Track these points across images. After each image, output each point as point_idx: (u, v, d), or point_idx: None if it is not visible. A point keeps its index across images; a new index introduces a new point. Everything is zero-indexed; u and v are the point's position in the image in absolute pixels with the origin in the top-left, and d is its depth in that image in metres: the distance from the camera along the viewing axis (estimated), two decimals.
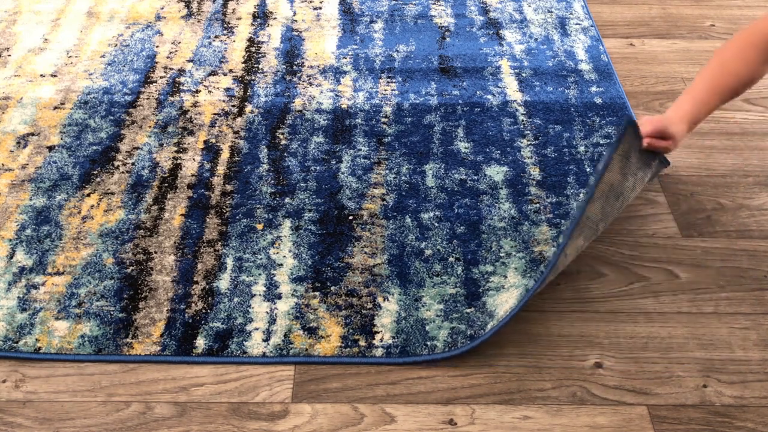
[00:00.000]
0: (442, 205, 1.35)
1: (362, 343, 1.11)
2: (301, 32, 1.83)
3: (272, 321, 1.14)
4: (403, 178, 1.41)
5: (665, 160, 1.30)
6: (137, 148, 1.47)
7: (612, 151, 1.09)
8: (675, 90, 1.66)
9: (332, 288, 1.20)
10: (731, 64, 1.22)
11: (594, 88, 1.64)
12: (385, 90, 1.63)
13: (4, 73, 1.67)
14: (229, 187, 1.38)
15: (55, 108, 1.57)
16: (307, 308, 1.17)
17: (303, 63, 1.72)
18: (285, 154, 1.46)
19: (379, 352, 1.10)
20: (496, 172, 1.42)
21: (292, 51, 1.76)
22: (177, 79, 1.66)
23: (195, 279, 1.21)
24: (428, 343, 1.11)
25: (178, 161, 1.44)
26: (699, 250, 1.28)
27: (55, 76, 1.66)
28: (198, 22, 1.86)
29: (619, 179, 1.17)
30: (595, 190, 1.09)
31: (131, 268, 1.23)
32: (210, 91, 1.62)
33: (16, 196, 1.36)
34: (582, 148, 1.48)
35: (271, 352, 1.10)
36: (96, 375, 1.08)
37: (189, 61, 1.72)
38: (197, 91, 1.62)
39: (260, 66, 1.70)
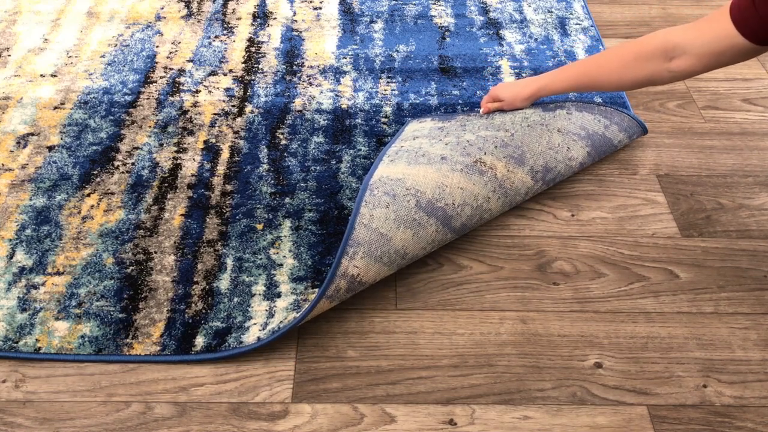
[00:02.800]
0: None
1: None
2: (301, 32, 1.83)
3: (270, 316, 1.14)
4: None
5: (641, 125, 1.42)
6: (137, 148, 1.47)
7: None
8: (675, 90, 1.66)
9: None
10: (604, 69, 1.25)
11: None
12: (385, 90, 1.63)
13: (4, 73, 1.67)
14: (229, 187, 1.38)
15: (55, 108, 1.57)
16: (306, 303, 1.16)
17: (303, 63, 1.72)
18: (285, 154, 1.46)
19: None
20: None
21: (292, 51, 1.76)
22: (177, 79, 1.66)
23: (195, 279, 1.21)
24: None
25: (178, 161, 1.44)
26: (699, 250, 1.28)
27: (55, 76, 1.66)
28: (198, 22, 1.86)
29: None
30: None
31: (131, 268, 1.23)
32: (210, 91, 1.62)
33: (16, 196, 1.36)
34: None
35: (265, 335, 1.10)
36: (96, 375, 1.08)
37: (189, 61, 1.72)
38: (197, 91, 1.62)
39: (260, 66, 1.70)
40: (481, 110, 1.40)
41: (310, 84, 1.65)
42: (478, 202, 1.20)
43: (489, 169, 1.22)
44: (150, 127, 1.52)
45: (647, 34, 1.21)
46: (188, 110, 1.57)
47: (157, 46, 1.76)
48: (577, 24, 1.87)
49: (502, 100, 1.38)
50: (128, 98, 1.60)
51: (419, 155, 1.22)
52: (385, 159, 1.23)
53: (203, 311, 1.16)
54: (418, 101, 1.60)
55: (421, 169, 1.17)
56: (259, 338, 1.10)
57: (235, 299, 1.18)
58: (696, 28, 1.13)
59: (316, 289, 1.19)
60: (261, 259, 1.24)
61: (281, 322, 1.11)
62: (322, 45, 1.78)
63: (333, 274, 1.08)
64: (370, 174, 1.19)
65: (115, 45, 1.77)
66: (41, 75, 1.66)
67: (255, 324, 1.13)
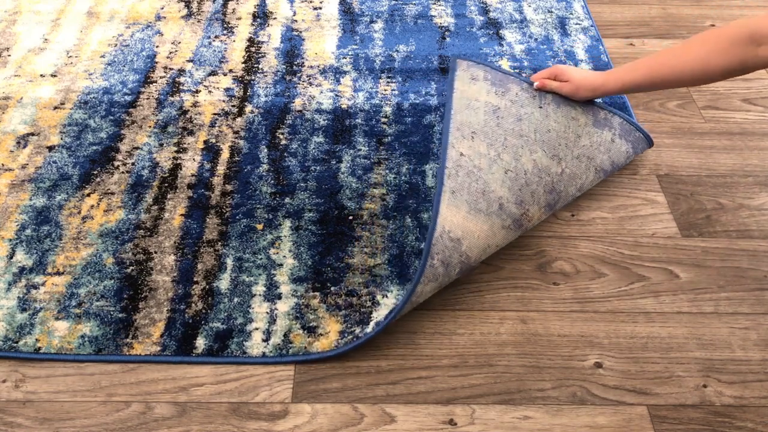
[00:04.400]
0: None
1: (359, 333, 1.11)
2: (301, 32, 1.83)
3: (272, 321, 1.14)
4: (403, 178, 1.40)
5: (647, 138, 1.32)
6: (137, 148, 1.47)
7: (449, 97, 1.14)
8: (675, 90, 1.66)
9: (332, 288, 1.20)
10: (688, 53, 1.17)
11: None
12: (385, 90, 1.63)
13: (4, 73, 1.67)
14: (229, 187, 1.38)
15: (55, 108, 1.57)
16: (307, 308, 1.17)
17: (303, 63, 1.72)
18: (285, 154, 1.46)
19: (371, 328, 1.10)
20: None
21: (292, 51, 1.76)
22: (177, 79, 1.66)
23: (195, 279, 1.21)
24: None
25: (178, 161, 1.44)
26: (699, 250, 1.28)
27: (55, 76, 1.66)
28: (198, 22, 1.86)
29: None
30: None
31: (131, 268, 1.23)
32: (210, 91, 1.62)
33: (16, 196, 1.36)
34: None
35: (271, 352, 1.10)
36: (96, 375, 1.08)
37: (189, 61, 1.72)
38: (197, 91, 1.62)
39: (260, 66, 1.70)
40: (535, 83, 1.33)
41: (310, 84, 1.65)
42: (498, 246, 1.19)
43: (528, 222, 1.20)
44: (150, 127, 1.52)
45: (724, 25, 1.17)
46: (188, 110, 1.57)
47: (157, 46, 1.76)
48: (577, 24, 1.87)
49: (565, 81, 1.31)
50: (128, 98, 1.60)
51: (479, 192, 1.15)
52: (446, 189, 1.15)
53: (203, 311, 1.16)
54: (418, 101, 1.60)
55: (477, 225, 1.13)
56: (263, 354, 1.10)
57: (235, 299, 1.18)
58: None
59: (317, 293, 1.19)
60: (261, 259, 1.24)
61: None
62: (322, 45, 1.78)
63: (397, 313, 1.09)
64: (436, 210, 1.13)
65: (115, 45, 1.77)
66: (41, 75, 1.66)
67: (257, 329, 1.13)
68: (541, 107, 1.29)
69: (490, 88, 1.30)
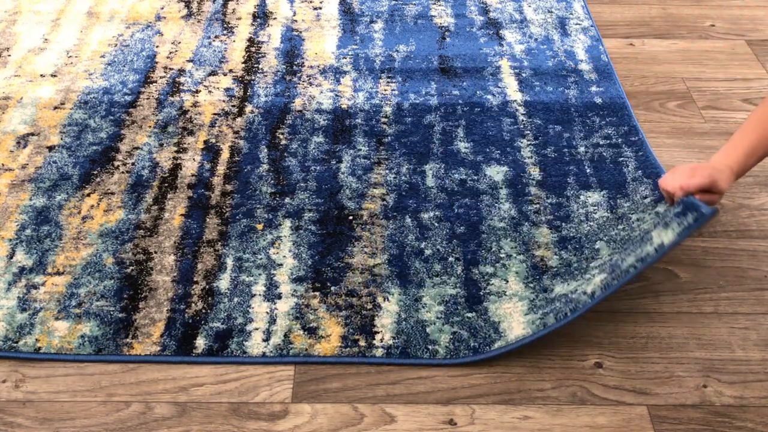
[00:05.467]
0: (442, 205, 1.34)
1: (362, 343, 1.11)
2: (301, 32, 1.83)
3: (272, 321, 1.14)
4: (403, 178, 1.41)
5: (706, 212, 1.09)
6: (137, 148, 1.47)
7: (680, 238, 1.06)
8: (675, 90, 1.66)
9: (332, 288, 1.20)
10: None
11: (594, 88, 1.64)
12: (385, 90, 1.63)
13: (4, 73, 1.67)
14: (229, 187, 1.38)
15: (55, 108, 1.57)
16: (307, 308, 1.17)
17: (303, 63, 1.72)
18: (285, 154, 1.46)
19: (379, 352, 1.10)
20: (496, 172, 1.42)
21: (292, 51, 1.76)
22: (177, 79, 1.66)
23: (195, 279, 1.21)
24: (429, 347, 1.11)
25: (178, 161, 1.44)
26: (699, 250, 1.28)
27: (55, 76, 1.66)
28: (198, 22, 1.86)
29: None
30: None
31: (131, 268, 1.23)
32: (210, 91, 1.62)
33: (16, 196, 1.36)
34: (582, 149, 1.48)
35: (271, 352, 1.10)
36: (96, 375, 1.08)
37: (189, 61, 1.72)
38: (197, 91, 1.62)
39: (260, 66, 1.70)
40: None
41: (310, 84, 1.65)
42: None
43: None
44: (150, 127, 1.52)
45: None
46: (188, 110, 1.57)
47: (157, 46, 1.76)
48: (577, 24, 1.87)
49: (716, 193, 1.14)
50: (128, 98, 1.60)
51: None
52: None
53: (203, 311, 1.16)
54: (418, 101, 1.60)
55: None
56: (263, 354, 1.10)
57: (235, 299, 1.18)
58: None
59: (317, 292, 1.19)
60: (261, 259, 1.24)
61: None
62: (322, 45, 1.78)
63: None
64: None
65: (115, 45, 1.77)
66: (41, 75, 1.67)
67: (257, 329, 1.13)
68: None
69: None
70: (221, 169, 1.42)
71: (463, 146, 1.48)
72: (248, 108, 1.58)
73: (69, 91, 1.62)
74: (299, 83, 1.65)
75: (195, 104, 1.58)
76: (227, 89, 1.63)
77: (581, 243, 1.26)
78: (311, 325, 1.14)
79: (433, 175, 1.41)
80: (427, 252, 1.26)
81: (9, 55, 1.73)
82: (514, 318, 1.13)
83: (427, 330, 1.13)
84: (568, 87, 1.64)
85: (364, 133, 1.51)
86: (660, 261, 1.25)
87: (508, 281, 1.20)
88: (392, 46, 1.78)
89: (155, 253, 1.25)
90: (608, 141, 1.49)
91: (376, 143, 1.49)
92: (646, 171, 1.41)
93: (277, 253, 1.25)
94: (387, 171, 1.42)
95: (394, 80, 1.66)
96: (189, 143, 1.48)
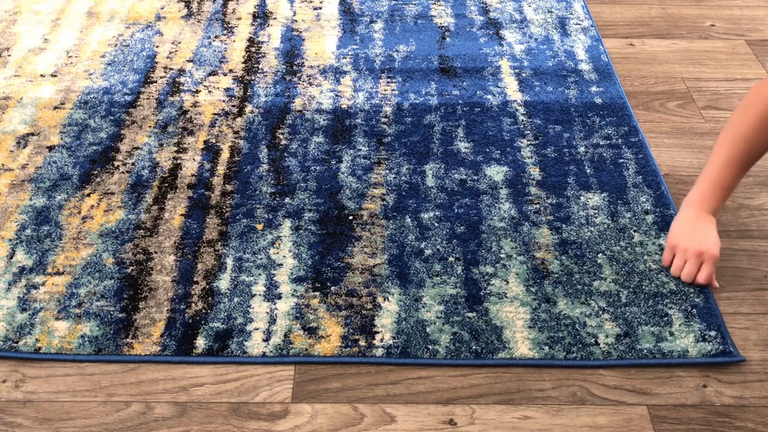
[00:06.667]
0: (442, 205, 1.35)
1: (362, 343, 1.11)
2: (301, 32, 1.83)
3: (272, 321, 1.14)
4: (403, 178, 1.41)
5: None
6: (137, 148, 1.47)
7: None
8: (675, 90, 1.66)
9: (332, 288, 1.20)
10: (756, 142, 1.16)
11: (594, 88, 1.64)
12: (385, 90, 1.63)
13: (4, 73, 1.67)
14: (229, 187, 1.38)
15: (55, 108, 1.57)
16: (307, 308, 1.17)
17: (303, 63, 1.72)
18: (285, 154, 1.46)
19: (379, 352, 1.10)
20: (496, 172, 1.42)
21: (292, 51, 1.76)
22: (177, 79, 1.66)
23: (195, 279, 1.21)
24: (429, 347, 1.11)
25: (178, 161, 1.44)
26: None
27: (55, 76, 1.66)
28: (198, 22, 1.86)
29: None
30: None
31: (131, 268, 1.23)
32: (210, 91, 1.62)
33: (16, 196, 1.36)
34: (582, 149, 1.48)
35: (271, 352, 1.10)
36: (96, 375, 1.08)
37: (189, 61, 1.72)
38: (197, 91, 1.62)
39: (260, 66, 1.70)
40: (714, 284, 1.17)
41: (310, 84, 1.65)
42: None
43: None
44: (150, 127, 1.52)
45: (759, 84, 1.17)
46: (188, 110, 1.57)
47: (157, 46, 1.76)
48: (577, 24, 1.87)
49: (712, 255, 1.17)
50: (128, 98, 1.60)
51: None
52: None
53: (203, 311, 1.16)
54: (418, 101, 1.60)
55: None
56: (263, 354, 1.10)
57: (235, 299, 1.18)
58: None
59: (317, 292, 1.19)
60: (261, 259, 1.24)
61: None
62: (322, 45, 1.78)
63: None
64: None
65: (115, 45, 1.77)
66: (41, 75, 1.67)
67: (257, 329, 1.13)
68: None
69: None
70: (221, 169, 1.42)
71: (463, 146, 1.48)
72: (248, 108, 1.58)
73: (69, 91, 1.62)
74: (299, 83, 1.65)
75: (195, 104, 1.58)
76: (227, 89, 1.63)
77: (582, 250, 1.25)
78: (311, 325, 1.14)
79: (433, 175, 1.41)
80: (427, 252, 1.26)
81: (9, 55, 1.73)
82: (517, 328, 1.13)
83: (427, 330, 1.13)
84: (568, 87, 1.64)
85: (364, 133, 1.51)
86: (659, 261, 1.26)
87: (508, 282, 1.20)
88: (392, 46, 1.78)
89: (155, 253, 1.25)
90: (608, 141, 1.49)
91: (376, 143, 1.49)
92: (645, 174, 1.41)
93: (277, 253, 1.25)
94: (387, 171, 1.42)
95: (394, 80, 1.67)
96: (189, 143, 1.48)
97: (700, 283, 1.18)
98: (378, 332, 1.13)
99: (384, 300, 1.18)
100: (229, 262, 1.24)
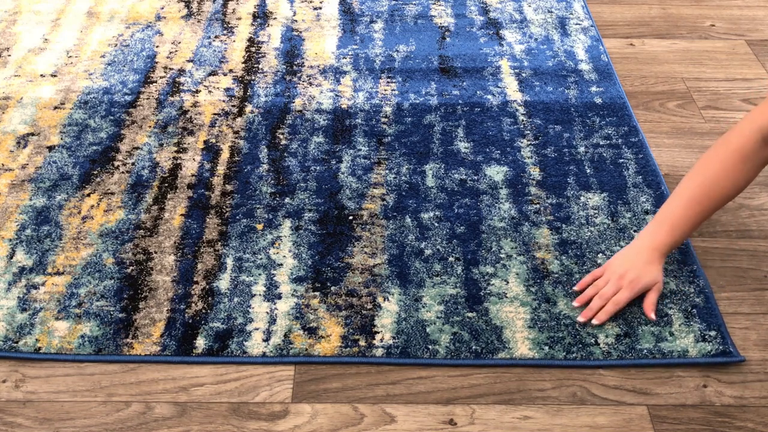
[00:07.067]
0: (442, 205, 1.35)
1: (362, 343, 1.11)
2: (301, 32, 1.83)
3: (272, 321, 1.14)
4: (403, 178, 1.41)
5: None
6: (137, 148, 1.47)
7: None
8: (675, 90, 1.66)
9: (332, 288, 1.20)
10: (716, 189, 1.14)
11: (594, 88, 1.64)
12: (385, 90, 1.63)
13: (4, 73, 1.67)
14: (229, 187, 1.38)
15: (55, 108, 1.57)
16: (307, 308, 1.17)
17: (303, 63, 1.72)
18: (285, 154, 1.46)
19: (379, 352, 1.10)
20: (496, 172, 1.42)
21: (292, 51, 1.76)
22: (177, 79, 1.66)
23: (195, 279, 1.21)
24: (429, 347, 1.11)
25: (178, 161, 1.44)
26: (699, 250, 1.28)
27: (55, 76, 1.66)
28: (198, 22, 1.86)
29: None
30: None
31: (131, 268, 1.23)
32: (210, 91, 1.62)
33: (16, 196, 1.36)
34: (582, 149, 1.48)
35: (271, 352, 1.10)
36: (96, 375, 1.08)
37: (189, 61, 1.72)
38: (197, 91, 1.62)
39: (260, 66, 1.70)
40: (594, 319, 1.13)
41: (310, 84, 1.65)
42: None
43: None
44: (150, 127, 1.52)
45: (730, 131, 1.14)
46: (188, 110, 1.57)
47: (157, 46, 1.76)
48: (577, 24, 1.87)
49: (646, 290, 1.15)
50: (128, 98, 1.60)
51: None
52: None
53: (203, 311, 1.16)
54: (418, 101, 1.60)
55: None
56: (263, 354, 1.10)
57: (235, 299, 1.18)
58: None
59: (317, 292, 1.19)
60: (261, 259, 1.24)
61: None
62: (322, 45, 1.78)
63: None
64: None
65: (115, 45, 1.77)
66: (41, 75, 1.67)
67: (257, 329, 1.13)
68: None
69: None
70: (221, 169, 1.42)
71: (463, 146, 1.48)
72: (248, 108, 1.58)
73: (69, 91, 1.62)
74: (299, 83, 1.65)
75: (195, 104, 1.58)
76: (227, 89, 1.63)
77: (582, 250, 1.25)
78: (311, 325, 1.14)
79: (433, 175, 1.41)
80: (427, 252, 1.26)
81: (9, 55, 1.73)
82: (517, 328, 1.13)
83: (427, 330, 1.13)
84: (568, 87, 1.64)
85: (364, 133, 1.51)
86: None
87: (508, 282, 1.20)
88: (392, 46, 1.78)
89: (155, 253, 1.25)
90: (608, 141, 1.49)
91: (376, 143, 1.49)
92: (646, 174, 1.41)
93: (277, 253, 1.25)
94: (387, 171, 1.42)
95: (394, 80, 1.67)
96: (189, 143, 1.48)
97: (608, 308, 1.13)
98: (378, 332, 1.13)
99: (384, 300, 1.18)
100: (229, 262, 1.24)
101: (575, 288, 1.18)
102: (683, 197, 1.15)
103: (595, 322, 1.12)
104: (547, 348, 1.10)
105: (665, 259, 1.17)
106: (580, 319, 1.13)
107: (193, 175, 1.41)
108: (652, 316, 1.13)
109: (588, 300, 1.15)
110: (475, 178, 1.41)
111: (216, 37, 1.80)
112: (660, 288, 1.15)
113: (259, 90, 1.63)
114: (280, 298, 1.18)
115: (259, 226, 1.30)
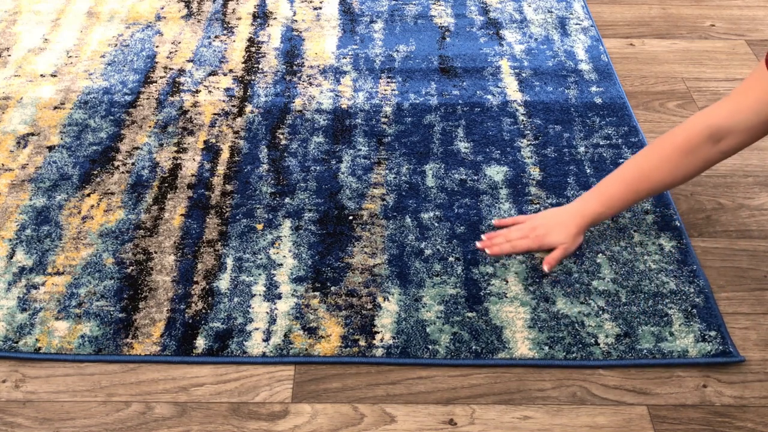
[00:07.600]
0: (442, 205, 1.35)
1: (362, 343, 1.11)
2: (301, 32, 1.83)
3: (272, 321, 1.14)
4: (403, 178, 1.41)
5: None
6: (137, 148, 1.47)
7: None
8: (675, 90, 1.66)
9: (332, 288, 1.20)
10: (655, 174, 1.16)
11: (594, 88, 1.64)
12: (385, 90, 1.63)
13: (4, 73, 1.67)
14: (229, 187, 1.38)
15: (55, 108, 1.57)
16: (307, 308, 1.17)
17: (303, 63, 1.72)
18: (285, 154, 1.46)
19: (379, 352, 1.10)
20: (496, 172, 1.42)
21: (292, 51, 1.76)
22: (177, 79, 1.66)
23: (195, 279, 1.21)
24: (429, 347, 1.11)
25: (178, 161, 1.44)
26: (699, 250, 1.28)
27: (55, 76, 1.66)
28: (198, 22, 1.86)
29: None
30: None
31: (131, 268, 1.23)
32: (210, 91, 1.62)
33: (16, 196, 1.36)
34: (582, 149, 1.48)
35: (271, 352, 1.10)
36: (96, 375, 1.08)
37: (189, 61, 1.72)
38: (197, 91, 1.62)
39: (260, 66, 1.70)
40: (488, 250, 1.18)
41: (310, 84, 1.65)
42: None
43: None
44: (150, 127, 1.52)
45: (682, 123, 1.16)
46: (188, 110, 1.57)
47: (157, 46, 1.76)
48: (577, 24, 1.87)
49: (551, 247, 1.18)
50: (128, 98, 1.60)
51: None
52: None
53: (203, 311, 1.16)
54: (418, 101, 1.60)
55: None
56: (263, 354, 1.10)
57: (235, 299, 1.18)
58: (734, 102, 1.10)
59: (317, 292, 1.19)
60: (261, 259, 1.24)
61: None
62: (322, 45, 1.78)
63: None
64: None
65: (115, 45, 1.77)
66: (41, 75, 1.67)
67: (257, 329, 1.13)
68: None
69: None
70: (221, 169, 1.42)
71: (463, 146, 1.48)
72: (248, 108, 1.58)
73: (69, 91, 1.62)
74: (299, 83, 1.65)
75: (195, 104, 1.58)
76: (227, 89, 1.63)
77: (582, 250, 1.25)
78: (311, 325, 1.14)
79: (433, 175, 1.41)
80: (427, 252, 1.26)
81: (9, 55, 1.73)
82: (517, 328, 1.13)
83: (427, 330, 1.13)
84: (568, 87, 1.64)
85: (364, 133, 1.51)
86: (659, 261, 1.26)
87: (508, 282, 1.20)
88: (392, 46, 1.78)
89: (155, 253, 1.25)
90: (608, 141, 1.49)
91: (376, 143, 1.49)
92: None
93: (277, 253, 1.25)
94: (387, 171, 1.42)
95: (394, 80, 1.67)
96: (189, 143, 1.48)
97: (504, 246, 1.17)
98: (378, 332, 1.13)
99: (384, 300, 1.18)
100: (229, 262, 1.24)
101: (493, 222, 1.25)
102: (624, 177, 1.18)
103: (487, 251, 1.18)
104: (547, 348, 1.10)
105: (588, 228, 1.20)
106: (477, 244, 1.20)
107: (193, 175, 1.41)
108: (545, 268, 1.17)
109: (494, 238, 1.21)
110: (475, 178, 1.41)
111: (216, 37, 1.80)
112: (567, 250, 1.18)
113: (259, 90, 1.63)
114: (280, 298, 1.18)
115: (259, 226, 1.30)
